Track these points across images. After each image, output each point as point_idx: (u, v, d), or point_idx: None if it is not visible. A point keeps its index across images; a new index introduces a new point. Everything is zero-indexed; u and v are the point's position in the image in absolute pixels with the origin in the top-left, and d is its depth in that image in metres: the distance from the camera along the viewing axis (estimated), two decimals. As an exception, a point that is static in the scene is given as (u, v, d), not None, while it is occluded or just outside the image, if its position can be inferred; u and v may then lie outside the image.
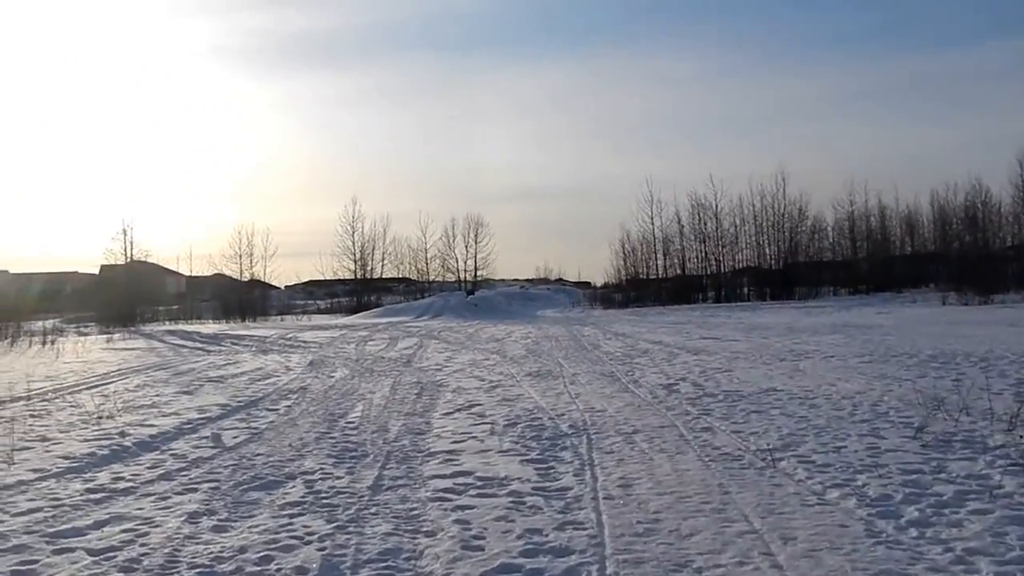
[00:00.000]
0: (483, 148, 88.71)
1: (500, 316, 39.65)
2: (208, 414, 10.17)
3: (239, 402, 11.16)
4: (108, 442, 8.29)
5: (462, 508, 5.80)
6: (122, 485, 6.74)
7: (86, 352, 21.46)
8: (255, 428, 9.11)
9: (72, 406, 10.97)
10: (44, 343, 23.30)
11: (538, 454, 7.45)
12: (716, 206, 51.02)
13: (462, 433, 8.48)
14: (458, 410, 9.97)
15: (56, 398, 11.87)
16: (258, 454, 7.74)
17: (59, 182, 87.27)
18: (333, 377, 14.20)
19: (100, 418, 9.85)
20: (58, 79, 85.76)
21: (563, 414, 9.29)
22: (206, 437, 8.60)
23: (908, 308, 32.33)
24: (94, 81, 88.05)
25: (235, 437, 8.57)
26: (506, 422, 8.98)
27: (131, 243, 45.40)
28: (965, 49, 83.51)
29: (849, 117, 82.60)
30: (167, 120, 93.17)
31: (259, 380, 13.85)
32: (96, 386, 13.33)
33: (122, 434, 8.71)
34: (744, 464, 6.78)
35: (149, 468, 7.30)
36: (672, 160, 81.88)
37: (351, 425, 9.12)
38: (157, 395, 12.07)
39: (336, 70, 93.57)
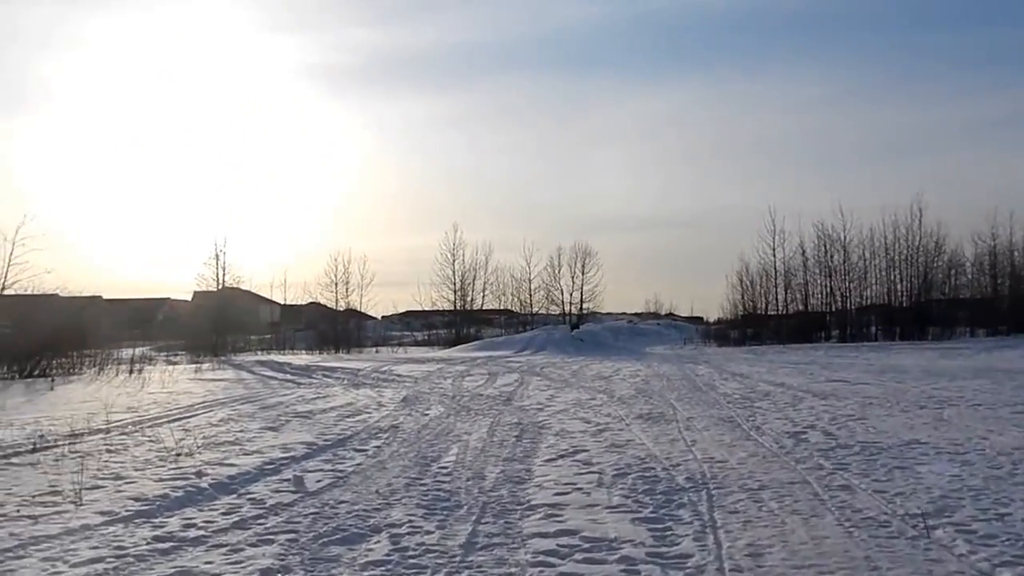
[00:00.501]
0: (593, 174, 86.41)
1: (607, 352, 38.46)
2: (292, 453, 9.55)
3: (326, 441, 10.52)
4: (183, 483, 7.71)
5: (567, 581, 4.88)
6: (192, 533, 6.11)
7: (172, 382, 21.48)
8: (341, 471, 8.40)
9: (151, 440, 10.56)
10: (131, 372, 23.50)
11: (652, 511, 6.47)
12: (844, 237, 47.99)
13: (566, 483, 7.54)
14: (561, 456, 9.03)
15: (136, 431, 11.52)
16: (342, 501, 7.00)
17: (155, 206, 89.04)
18: (427, 415, 13.49)
19: (179, 455, 9.35)
20: (153, 100, 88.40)
21: (679, 464, 8.23)
22: (288, 480, 7.94)
23: (1054, 351, 29.54)
24: (189, 102, 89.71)
25: (318, 481, 7.88)
26: (615, 472, 7.99)
27: (224, 269, 45.11)
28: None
29: (994, 145, 77.37)
30: (263, 143, 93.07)
31: (349, 417, 13.25)
32: (178, 419, 12.99)
33: (199, 474, 8.13)
34: (892, 532, 5.71)
35: (224, 514, 6.66)
36: (796, 189, 78.28)
37: (444, 470, 8.31)
38: (241, 431, 11.58)
39: (438, 90, 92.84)
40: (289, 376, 23.95)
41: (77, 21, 79.05)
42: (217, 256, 44.89)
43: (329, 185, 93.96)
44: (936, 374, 19.82)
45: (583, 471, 8.10)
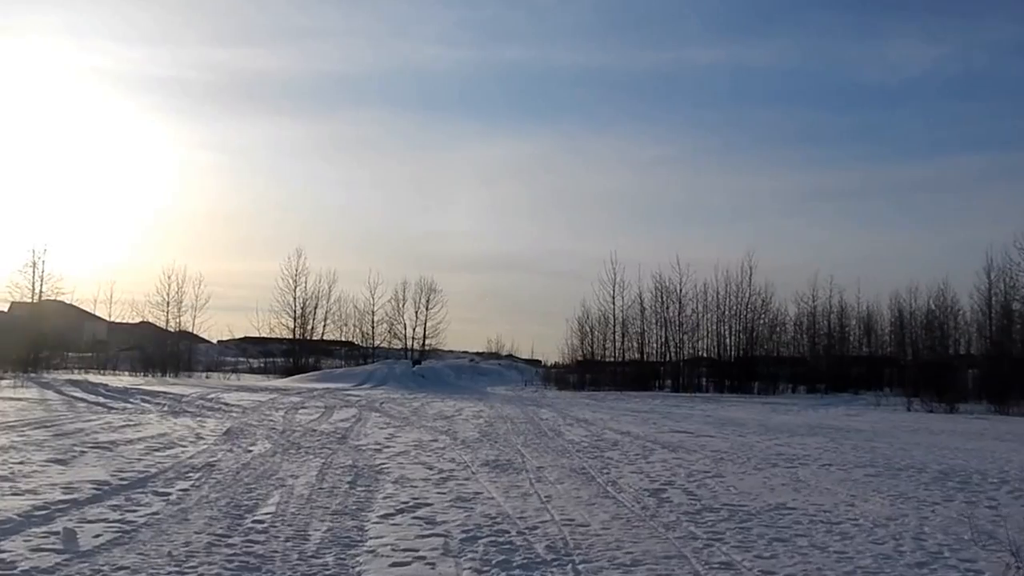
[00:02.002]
0: (439, 213, 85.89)
1: (448, 390, 37.36)
2: (75, 495, 7.89)
3: (122, 480, 8.87)
4: (-91, 535, 6.01)
5: None
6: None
7: None
8: (130, 522, 6.87)
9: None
10: None
11: (508, 590, 5.42)
12: (680, 290, 49.55)
13: (406, 549, 6.37)
14: (400, 511, 7.85)
15: None
16: (120, 567, 5.54)
17: None
18: (250, 452, 11.95)
19: (-77, 495, 7.53)
20: None
21: (535, 527, 7.24)
22: (57, 533, 6.35)
23: (874, 412, 30.95)
24: (21, 100, 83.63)
25: (97, 536, 6.33)
26: (463, 534, 6.90)
27: (41, 278, 41.14)
28: (930, 158, 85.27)
29: (814, 214, 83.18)
30: (99, 152, 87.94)
31: (158, 450, 11.53)
32: (-50, 445, 10.88)
33: (-64, 523, 6.42)
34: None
35: (-45, 581, 5.08)
36: (635, 241, 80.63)
37: (259, 525, 6.95)
38: (20, 462, 9.69)
39: (291, 117, 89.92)
40: (102, 399, 21.44)
41: None
42: (34, 264, 40.88)
43: (165, 199, 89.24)
44: (774, 429, 19.98)
45: (426, 532, 6.96)
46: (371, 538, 6.69)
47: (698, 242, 78.36)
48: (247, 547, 6.20)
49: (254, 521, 7.11)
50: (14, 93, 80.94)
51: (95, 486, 8.40)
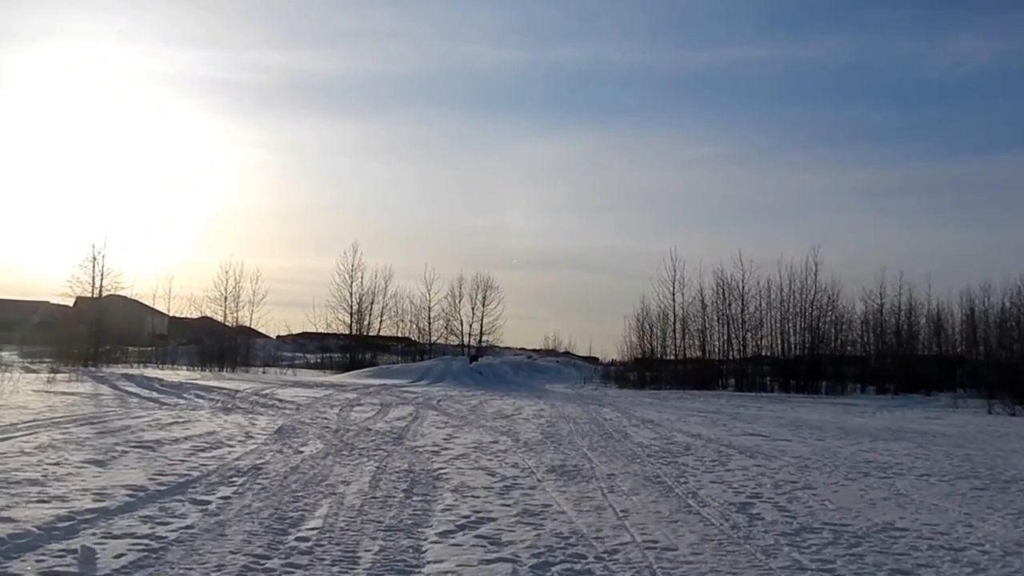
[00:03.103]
0: (495, 211, 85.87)
1: (506, 387, 36.53)
2: (107, 502, 7.21)
3: (160, 485, 8.19)
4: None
5: None
6: None
7: (10, 393, 18.35)
8: (159, 538, 6.14)
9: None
10: None
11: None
12: (743, 286, 47.97)
13: (468, 576, 5.51)
14: (462, 527, 6.98)
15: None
16: (140, 595, 4.79)
17: (43, 207, 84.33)
18: (301, 453, 11.25)
19: (-57, 501, 6.92)
20: (47, 100, 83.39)
21: (615, 550, 6.30)
22: (75, 551, 5.64)
23: (954, 415, 29.19)
24: (84, 104, 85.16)
25: (119, 556, 5.60)
26: (534, 559, 6.01)
27: (102, 273, 40.93)
28: (994, 154, 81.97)
29: (876, 211, 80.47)
30: (160, 151, 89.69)
31: (204, 450, 10.88)
32: (-12, 444, 10.36)
33: (-58, 538, 5.75)
34: None
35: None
36: (689, 239, 79.67)
37: (304, 544, 6.15)
38: (56, 463, 9.09)
39: (346, 116, 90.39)
40: (155, 394, 21.10)
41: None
42: (95, 258, 40.83)
43: (223, 198, 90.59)
44: (853, 432, 18.69)
45: (491, 555, 6.07)
46: (429, 562, 5.83)
47: (754, 240, 76.71)
48: (288, 572, 5.39)
49: (298, 539, 6.32)
50: (75, 96, 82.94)
51: (129, 492, 7.72)
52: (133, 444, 11.01)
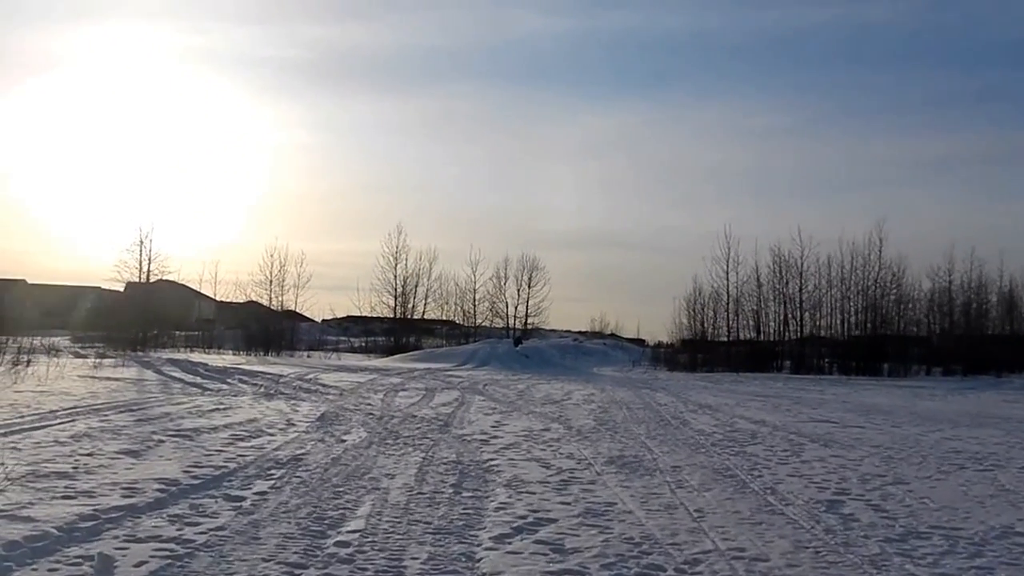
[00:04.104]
0: (542, 189, 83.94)
1: (553, 371, 35.78)
2: (135, 499, 6.62)
3: (195, 478, 7.59)
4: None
5: None
6: None
7: (56, 379, 18.03)
8: (187, 541, 5.51)
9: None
10: (16, 363, 19.90)
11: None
12: (802, 264, 45.91)
13: (531, 592, 4.78)
14: (519, 530, 6.25)
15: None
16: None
17: (91, 193, 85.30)
18: (344, 442, 10.63)
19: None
20: (92, 85, 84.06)
21: (696, 560, 5.52)
22: (92, 559, 5.02)
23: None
24: (126, 86, 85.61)
25: (139, 564, 4.97)
26: (604, 570, 5.25)
27: (149, 258, 40.97)
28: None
29: (946, 183, 77.23)
30: (200, 131, 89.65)
31: (244, 439, 10.30)
32: (21, 431, 9.86)
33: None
34: None
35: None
36: (746, 215, 76.98)
37: (343, 550, 5.48)
38: (89, 453, 8.56)
39: (389, 93, 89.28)
40: (199, 379, 20.72)
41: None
42: (142, 242, 40.84)
43: (268, 180, 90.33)
44: (928, 418, 17.59)
45: (555, 566, 5.32)
46: (484, 574, 5.11)
47: (816, 215, 74.14)
48: (325, 585, 4.72)
49: (338, 542, 5.64)
50: (119, 76, 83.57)
51: (161, 487, 7.12)
52: (171, 433, 10.47)
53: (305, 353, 44.05)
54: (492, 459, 9.74)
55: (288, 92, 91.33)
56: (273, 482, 7.67)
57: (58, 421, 11.10)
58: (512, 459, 9.81)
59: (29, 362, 20.48)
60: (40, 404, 12.92)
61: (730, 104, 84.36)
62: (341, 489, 7.52)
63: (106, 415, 12.05)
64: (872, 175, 78.30)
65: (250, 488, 7.36)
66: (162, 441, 9.74)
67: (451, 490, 7.73)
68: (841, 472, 9.60)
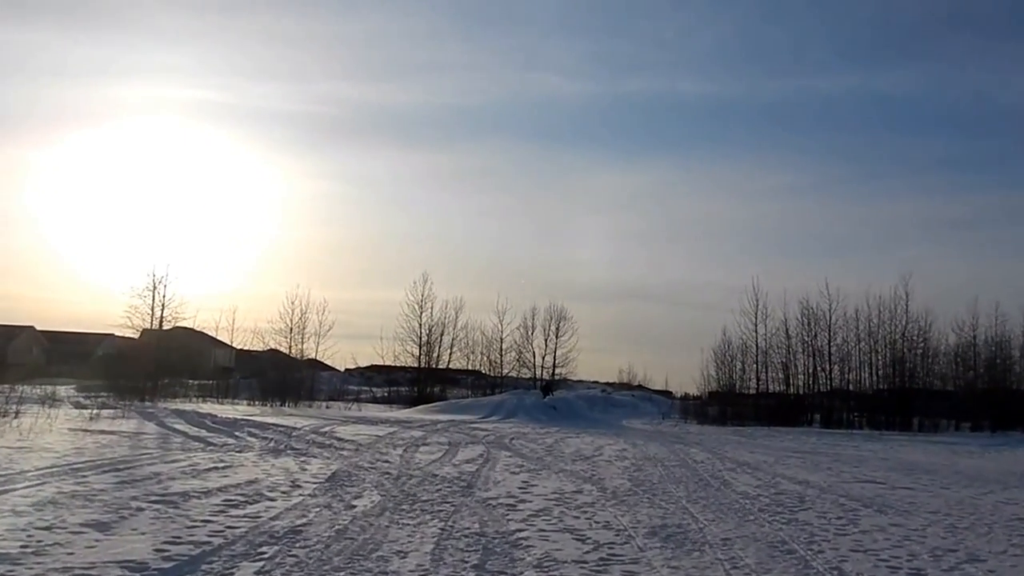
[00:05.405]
0: (567, 242, 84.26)
1: (581, 423, 34.47)
2: (90, 590, 5.58)
3: (166, 560, 6.52)
4: None
5: None
6: None
7: (41, 432, 16.82)
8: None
9: None
10: (3, 415, 18.73)
11: None
12: (830, 317, 44.97)
13: None
14: (549, 632, 5.14)
15: None
16: None
17: (109, 237, 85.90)
18: (353, 508, 9.56)
19: None
20: (119, 135, 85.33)
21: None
22: None
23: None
24: (155, 136, 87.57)
25: None
26: None
27: (163, 303, 39.25)
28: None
29: (966, 242, 77.41)
30: (227, 182, 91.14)
31: (238, 505, 9.24)
32: (-12, 497, 8.86)
33: None
34: None
35: None
36: (770, 270, 76.71)
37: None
38: (48, 527, 7.47)
39: (419, 148, 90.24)
40: (204, 432, 19.58)
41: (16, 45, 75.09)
42: (155, 287, 39.29)
43: (293, 230, 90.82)
44: (974, 478, 16.35)
45: None
46: None
47: (839, 271, 73.46)
48: None
49: (326, 650, 4.57)
50: (149, 127, 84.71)
51: (121, 573, 6.07)
52: (154, 498, 9.41)
53: (324, 404, 42.88)
54: (520, 530, 8.63)
55: (314, 145, 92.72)
56: (262, 564, 6.60)
57: (24, 485, 9.86)
58: (542, 530, 8.69)
59: (18, 413, 19.42)
60: (11, 463, 11.75)
61: (756, 163, 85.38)
62: (342, 573, 6.44)
63: (84, 476, 10.91)
64: (897, 232, 78.53)
65: (232, 573, 6.29)
66: (141, 509, 8.66)
67: (472, 574, 6.62)
68: (908, 546, 8.44)
